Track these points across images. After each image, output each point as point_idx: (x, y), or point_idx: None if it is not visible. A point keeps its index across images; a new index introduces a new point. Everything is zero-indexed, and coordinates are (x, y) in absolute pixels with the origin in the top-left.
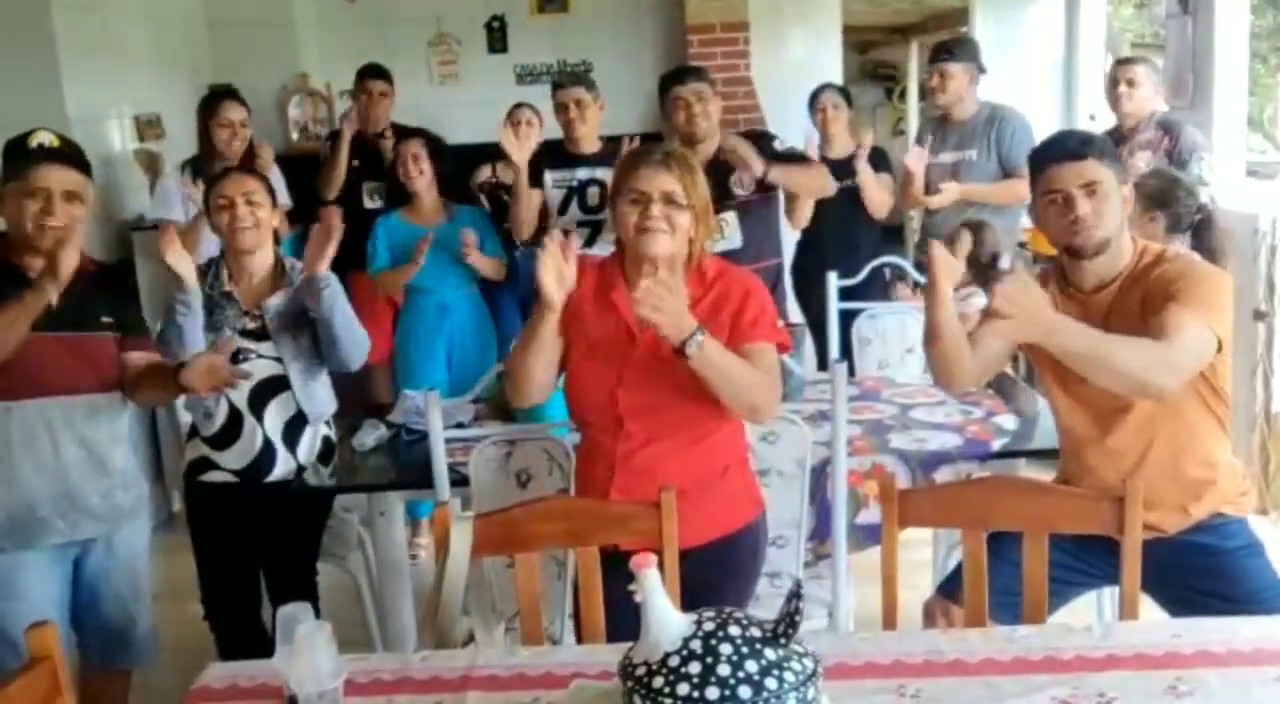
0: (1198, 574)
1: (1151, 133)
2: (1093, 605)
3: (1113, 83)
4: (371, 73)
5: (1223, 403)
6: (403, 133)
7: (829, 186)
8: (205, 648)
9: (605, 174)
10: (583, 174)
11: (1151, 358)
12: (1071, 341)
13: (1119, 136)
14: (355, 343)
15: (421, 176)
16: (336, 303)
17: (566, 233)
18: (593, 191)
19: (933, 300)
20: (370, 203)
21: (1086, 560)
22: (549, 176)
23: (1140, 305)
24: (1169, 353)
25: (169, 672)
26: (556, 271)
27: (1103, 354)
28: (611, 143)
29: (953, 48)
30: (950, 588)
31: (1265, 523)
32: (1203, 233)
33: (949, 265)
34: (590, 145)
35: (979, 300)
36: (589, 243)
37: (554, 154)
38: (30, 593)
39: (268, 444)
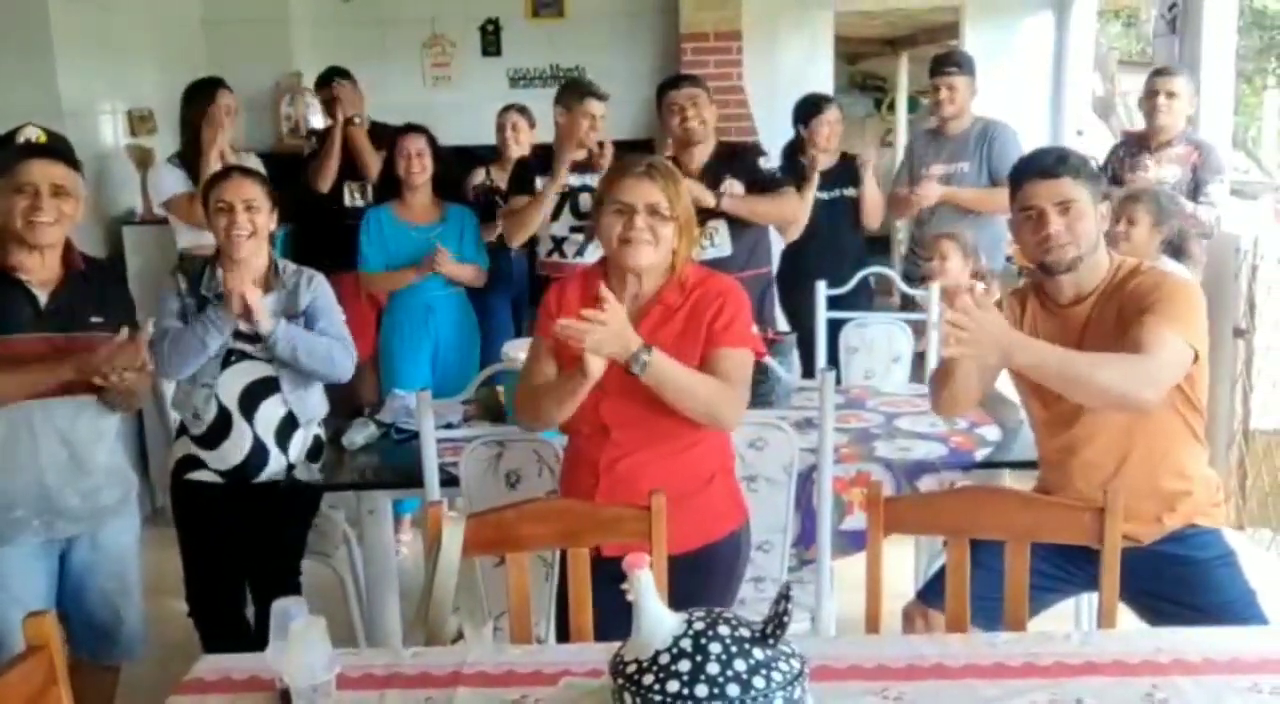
0: (1171, 584)
1: (1183, 147)
2: (1071, 613)
3: (1151, 93)
4: (335, 74)
5: (1197, 414)
6: (385, 131)
7: (793, 215)
8: (188, 642)
9: (597, 180)
10: (575, 180)
11: (1130, 372)
12: (1037, 360)
13: (1146, 145)
14: (333, 365)
15: (423, 172)
16: (295, 348)
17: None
18: (585, 197)
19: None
20: (352, 201)
21: (1064, 568)
22: (541, 182)
23: (1116, 318)
24: (1148, 366)
25: (151, 665)
26: (563, 328)
27: (1075, 371)
28: (602, 149)
29: (959, 60)
30: (929, 594)
31: (1243, 538)
32: (1177, 243)
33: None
34: (584, 153)
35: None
36: (581, 249)
37: (546, 160)
38: (12, 586)
39: (258, 444)
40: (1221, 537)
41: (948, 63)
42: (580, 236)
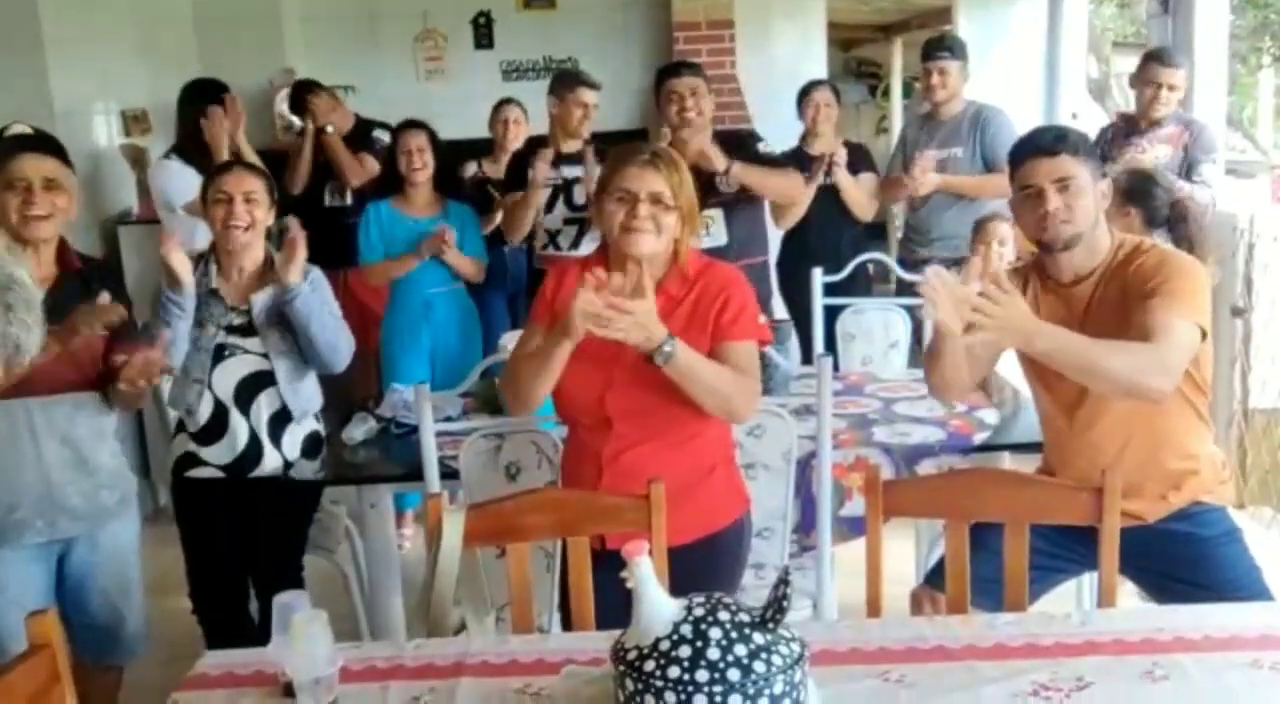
0: (1177, 562)
1: (1173, 127)
2: (1073, 593)
3: (1148, 82)
4: (308, 87)
5: (1201, 394)
6: (368, 127)
7: (798, 193)
8: (192, 640)
9: (587, 170)
10: (569, 171)
11: (1143, 361)
12: (1056, 347)
13: (1136, 127)
14: (335, 347)
15: (424, 169)
16: (311, 311)
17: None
18: (579, 189)
19: (939, 333)
20: (330, 201)
21: (1068, 547)
22: (530, 172)
23: (1120, 298)
24: (1160, 354)
25: (155, 664)
26: (590, 306)
27: (1090, 359)
28: (598, 140)
29: (950, 45)
30: (936, 578)
31: (1244, 516)
32: (1178, 226)
33: (949, 298)
34: (577, 143)
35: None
36: (575, 241)
37: (536, 152)
38: (10, 588)
39: (254, 439)
40: (1227, 514)
41: (939, 47)
42: (574, 229)
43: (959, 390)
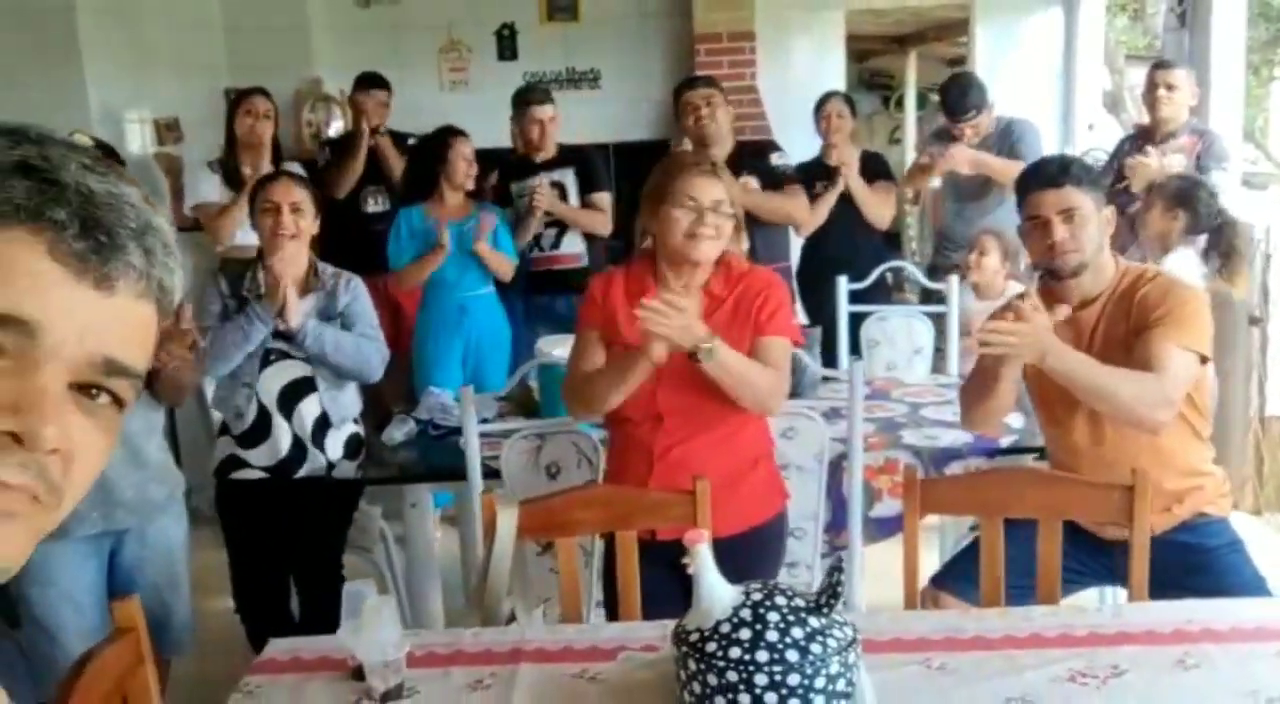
0: (1183, 571)
1: (1186, 138)
2: (1094, 600)
3: (1151, 86)
4: (370, 82)
5: (1199, 414)
6: (396, 138)
7: (796, 216)
8: (228, 639)
9: (562, 175)
10: (549, 177)
11: (1148, 393)
12: (1069, 367)
13: (1151, 138)
14: (364, 362)
15: (470, 179)
16: (324, 347)
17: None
18: (553, 195)
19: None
20: (371, 206)
21: (1079, 560)
22: (514, 187)
23: (1125, 324)
24: (1163, 386)
25: (191, 662)
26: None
27: (1100, 383)
28: (565, 148)
29: (977, 102)
30: (943, 578)
31: (1260, 523)
32: (1221, 235)
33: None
34: (548, 153)
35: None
36: (556, 242)
37: (513, 166)
38: (63, 581)
39: (297, 443)
40: (1229, 525)
41: (963, 108)
42: (554, 231)
43: (998, 421)
